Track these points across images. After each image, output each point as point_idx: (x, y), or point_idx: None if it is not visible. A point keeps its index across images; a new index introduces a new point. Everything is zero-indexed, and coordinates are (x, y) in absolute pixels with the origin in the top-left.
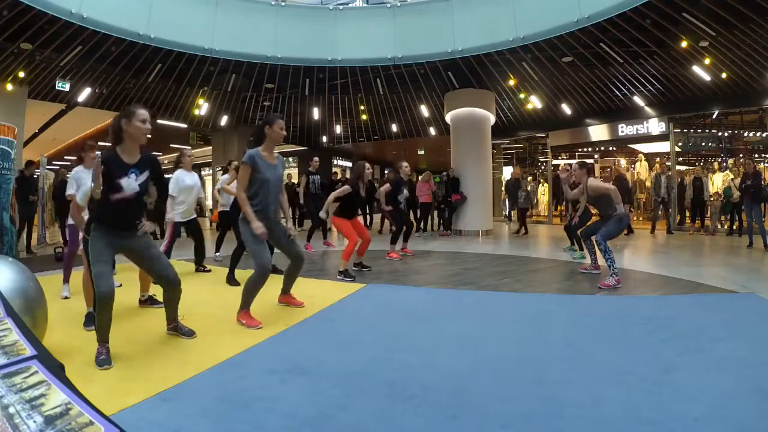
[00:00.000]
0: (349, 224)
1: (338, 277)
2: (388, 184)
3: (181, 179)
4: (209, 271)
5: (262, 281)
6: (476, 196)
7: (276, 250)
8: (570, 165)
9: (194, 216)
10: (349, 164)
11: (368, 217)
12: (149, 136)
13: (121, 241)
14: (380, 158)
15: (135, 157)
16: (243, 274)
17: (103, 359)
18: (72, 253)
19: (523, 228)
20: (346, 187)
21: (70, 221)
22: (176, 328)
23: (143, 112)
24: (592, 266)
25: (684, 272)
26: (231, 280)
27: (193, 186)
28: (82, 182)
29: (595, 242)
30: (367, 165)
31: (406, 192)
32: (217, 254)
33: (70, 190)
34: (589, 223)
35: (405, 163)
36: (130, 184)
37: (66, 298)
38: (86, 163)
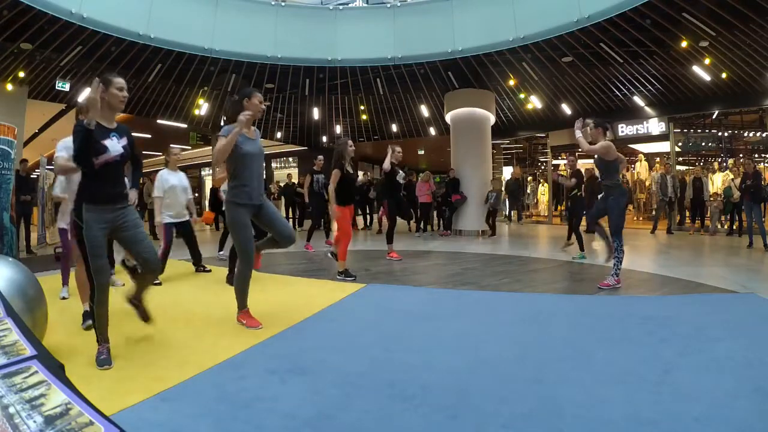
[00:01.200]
0: (347, 216)
1: (338, 277)
2: (387, 160)
3: (166, 179)
4: (209, 270)
5: (248, 271)
6: (476, 197)
7: (277, 250)
8: (557, 166)
9: (187, 218)
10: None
11: (368, 217)
12: (148, 135)
13: (112, 219)
14: (380, 158)
15: (112, 124)
16: None
17: (104, 359)
18: (67, 257)
19: (490, 230)
20: (335, 171)
21: (60, 225)
22: (137, 306)
23: (120, 80)
24: (615, 280)
25: (684, 272)
26: (231, 280)
27: (178, 185)
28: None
29: (604, 235)
30: (349, 142)
31: (402, 173)
32: (221, 252)
33: (56, 191)
34: (583, 209)
35: (398, 148)
36: (114, 145)
37: (64, 298)
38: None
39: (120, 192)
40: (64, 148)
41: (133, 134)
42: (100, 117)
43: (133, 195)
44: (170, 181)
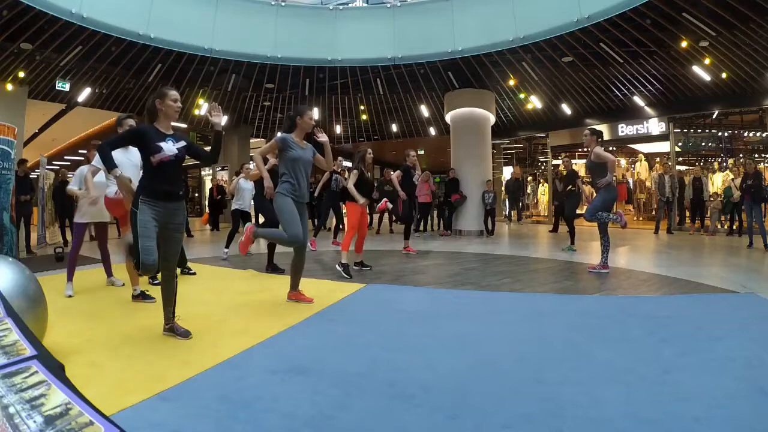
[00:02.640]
0: (358, 213)
1: (338, 267)
2: (399, 171)
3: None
4: (194, 273)
5: (302, 254)
6: (476, 197)
7: (277, 250)
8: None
9: None
10: (349, 164)
11: (368, 217)
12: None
13: (164, 214)
14: (380, 158)
15: (169, 131)
16: (242, 274)
17: (184, 330)
18: (76, 252)
19: (486, 231)
20: (354, 172)
21: (77, 219)
22: (172, 329)
23: (174, 93)
24: (600, 265)
25: (684, 272)
26: (274, 268)
27: (126, 162)
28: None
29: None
30: (369, 150)
31: (417, 173)
32: (226, 250)
33: (73, 186)
34: (579, 204)
35: (412, 152)
36: (169, 146)
37: (69, 296)
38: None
39: (176, 191)
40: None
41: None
42: (159, 125)
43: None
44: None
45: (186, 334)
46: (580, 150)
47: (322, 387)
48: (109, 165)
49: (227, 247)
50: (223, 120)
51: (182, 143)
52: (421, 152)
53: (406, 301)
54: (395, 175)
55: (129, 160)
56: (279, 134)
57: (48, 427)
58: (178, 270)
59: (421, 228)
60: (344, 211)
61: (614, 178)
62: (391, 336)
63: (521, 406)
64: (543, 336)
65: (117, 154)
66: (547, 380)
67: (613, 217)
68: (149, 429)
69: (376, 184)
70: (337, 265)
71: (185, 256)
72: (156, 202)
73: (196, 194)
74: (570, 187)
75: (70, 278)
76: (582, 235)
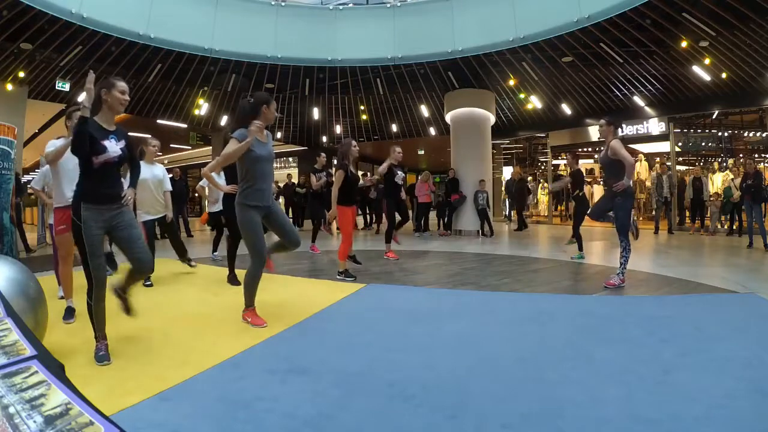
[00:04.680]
0: (350, 216)
1: (338, 277)
2: (384, 164)
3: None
4: (195, 265)
5: (259, 273)
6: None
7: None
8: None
9: (164, 213)
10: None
11: (368, 217)
12: (148, 135)
13: (108, 218)
14: (380, 158)
15: (112, 126)
16: (243, 274)
17: (102, 355)
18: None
19: (482, 233)
20: (339, 172)
21: (49, 220)
22: (121, 297)
23: (122, 84)
24: (619, 279)
25: (684, 272)
26: (232, 280)
27: (150, 179)
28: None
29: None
30: (354, 143)
31: (401, 173)
32: (215, 254)
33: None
34: (588, 208)
35: (398, 148)
36: (113, 146)
37: (62, 298)
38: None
39: (117, 193)
40: (52, 144)
41: (133, 134)
42: (100, 119)
43: (131, 193)
44: (144, 174)
45: (128, 311)
46: (580, 150)
47: (322, 387)
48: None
49: (215, 250)
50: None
51: (123, 142)
52: (421, 152)
53: (406, 301)
54: (381, 169)
55: (153, 176)
56: (237, 129)
57: (48, 427)
58: (182, 267)
59: (422, 228)
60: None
61: (628, 179)
62: (391, 336)
63: (521, 406)
64: (543, 336)
65: (144, 172)
66: (547, 380)
67: (622, 270)
68: (149, 429)
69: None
70: (337, 276)
71: (183, 248)
72: (98, 206)
73: (196, 194)
74: (578, 192)
75: (60, 281)
76: (585, 234)
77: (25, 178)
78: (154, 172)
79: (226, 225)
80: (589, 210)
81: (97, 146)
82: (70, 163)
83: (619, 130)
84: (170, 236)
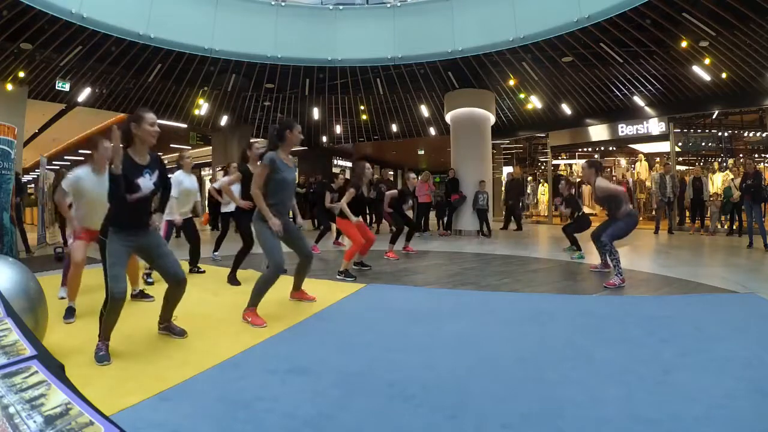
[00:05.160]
0: (353, 226)
1: (338, 276)
2: (395, 191)
3: (181, 181)
4: (203, 272)
5: (273, 280)
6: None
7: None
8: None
9: (190, 216)
10: (349, 164)
11: (372, 216)
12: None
13: (135, 240)
14: (380, 158)
15: (145, 158)
16: (243, 274)
17: (103, 355)
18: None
19: (481, 233)
20: (351, 190)
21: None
22: (168, 328)
23: (151, 116)
24: (602, 264)
25: (684, 272)
26: (232, 280)
27: (191, 189)
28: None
29: (600, 243)
30: (367, 165)
31: (411, 203)
32: (215, 254)
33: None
34: (589, 227)
35: (413, 175)
36: (146, 183)
37: (62, 298)
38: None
39: (146, 220)
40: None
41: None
42: (133, 152)
43: (157, 219)
44: (185, 183)
45: (182, 333)
46: (580, 150)
47: (322, 387)
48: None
49: (216, 250)
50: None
51: (156, 174)
52: (421, 152)
53: (406, 301)
54: (389, 194)
55: (192, 185)
56: (266, 155)
57: (48, 427)
58: (187, 268)
59: (421, 228)
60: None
61: (629, 206)
62: (391, 336)
63: (521, 406)
64: (543, 336)
65: (185, 180)
66: (547, 380)
67: (617, 272)
68: (149, 429)
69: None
70: (336, 275)
71: (199, 254)
72: (126, 232)
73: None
74: (578, 213)
75: (64, 283)
76: (585, 235)
77: (25, 178)
78: (194, 183)
79: (239, 233)
80: (591, 233)
81: (132, 186)
82: (94, 192)
83: (599, 170)
84: (192, 241)
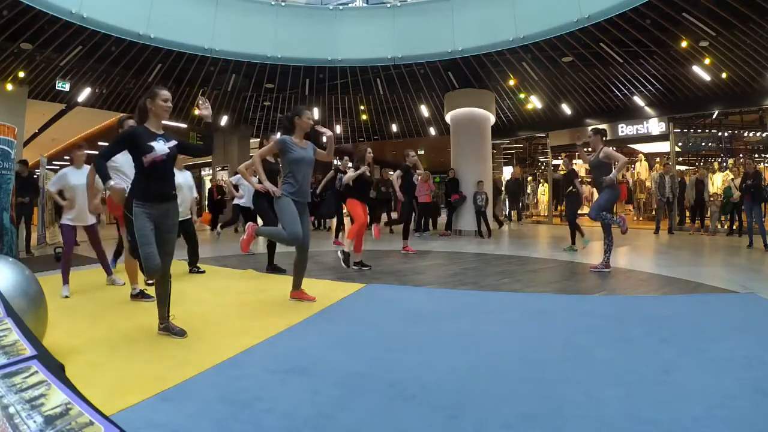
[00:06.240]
0: (360, 207)
1: (339, 254)
2: (399, 171)
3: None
4: (203, 272)
5: (304, 254)
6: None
7: (278, 250)
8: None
9: (189, 216)
10: (349, 164)
11: (372, 216)
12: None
13: (157, 215)
14: (380, 158)
15: (160, 130)
16: (243, 274)
17: (179, 330)
18: (67, 254)
19: (480, 233)
20: (356, 168)
21: (62, 221)
22: (167, 328)
23: (165, 93)
24: (602, 264)
25: (684, 272)
26: (275, 269)
27: (184, 184)
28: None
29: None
30: (369, 150)
31: (418, 172)
32: (218, 230)
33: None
34: (580, 206)
35: (412, 152)
36: (161, 146)
37: (66, 297)
38: (76, 163)
39: (168, 192)
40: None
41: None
42: (149, 124)
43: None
44: (177, 179)
45: (182, 333)
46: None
47: (322, 387)
48: (104, 176)
49: (218, 228)
50: (210, 112)
51: (173, 142)
52: (421, 152)
53: (406, 301)
54: (395, 176)
55: (186, 181)
56: (278, 135)
57: (48, 427)
58: (187, 269)
59: (422, 228)
60: (345, 211)
61: (614, 175)
62: (391, 336)
63: (521, 406)
64: (543, 336)
65: (121, 157)
66: (547, 380)
67: (617, 220)
68: (149, 429)
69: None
70: (353, 266)
71: (198, 255)
72: (150, 204)
73: (196, 195)
74: (570, 188)
75: (65, 280)
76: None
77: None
78: (187, 178)
79: (259, 216)
80: (589, 211)
81: (144, 146)
82: (79, 183)
83: (605, 138)
84: (189, 240)
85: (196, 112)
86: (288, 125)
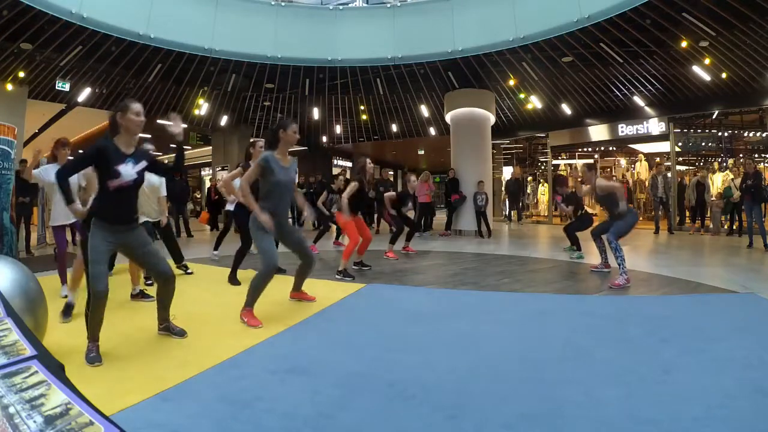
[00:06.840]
0: (353, 222)
1: (337, 276)
2: (394, 193)
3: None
4: (191, 273)
5: (268, 279)
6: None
7: (280, 249)
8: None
9: (158, 218)
10: (350, 164)
11: (372, 216)
12: (148, 135)
13: (119, 237)
14: (380, 158)
15: (131, 149)
16: (244, 274)
17: (93, 356)
18: (63, 254)
19: (480, 233)
20: (354, 183)
21: (52, 223)
22: (168, 328)
23: (136, 106)
24: (602, 264)
25: (684, 272)
26: (232, 280)
27: (156, 184)
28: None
29: (606, 241)
30: (369, 161)
31: (410, 206)
32: (215, 252)
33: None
34: (591, 226)
35: (413, 177)
36: (128, 170)
37: (65, 297)
38: (60, 161)
39: (130, 216)
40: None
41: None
42: (119, 141)
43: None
44: (151, 180)
45: (182, 333)
46: (580, 150)
47: (322, 387)
48: (67, 199)
49: (216, 249)
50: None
51: (142, 164)
52: (421, 152)
53: (406, 301)
54: (388, 196)
55: (147, 180)
56: (265, 154)
57: (48, 427)
58: (175, 267)
59: (421, 228)
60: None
61: (625, 204)
62: (391, 336)
63: (521, 406)
64: (543, 336)
65: (151, 177)
66: (547, 380)
67: (623, 270)
68: (149, 429)
69: (374, 182)
70: (336, 275)
71: (179, 253)
72: (109, 225)
73: (197, 195)
74: (580, 212)
75: (63, 280)
76: (585, 235)
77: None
78: (150, 179)
79: (238, 232)
80: (591, 231)
81: (111, 171)
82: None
83: (596, 171)
84: (165, 240)
85: (169, 129)
86: (272, 139)
